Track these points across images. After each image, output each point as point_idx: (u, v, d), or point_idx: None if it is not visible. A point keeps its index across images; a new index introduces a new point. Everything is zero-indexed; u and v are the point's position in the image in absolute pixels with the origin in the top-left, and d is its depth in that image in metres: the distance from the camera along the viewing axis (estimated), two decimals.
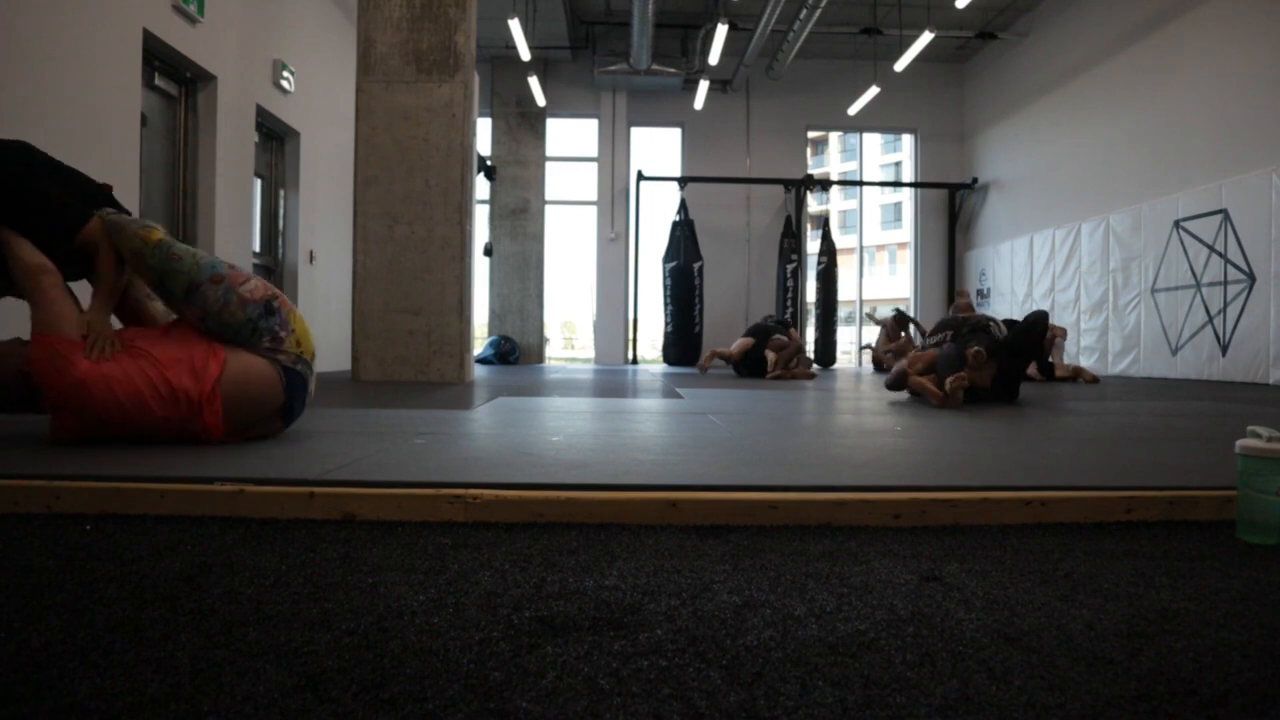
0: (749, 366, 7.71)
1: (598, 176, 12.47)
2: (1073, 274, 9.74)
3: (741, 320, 11.58)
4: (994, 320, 4.65)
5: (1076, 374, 7.15)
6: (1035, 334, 4.35)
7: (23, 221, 2.23)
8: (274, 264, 7.42)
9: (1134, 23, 8.80)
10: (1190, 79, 7.98)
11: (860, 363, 10.18)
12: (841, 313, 12.65)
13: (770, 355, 7.54)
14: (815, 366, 10.02)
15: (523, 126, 12.21)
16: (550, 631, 0.97)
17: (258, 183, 7.03)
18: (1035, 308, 10.36)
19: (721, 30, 9.72)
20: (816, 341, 11.87)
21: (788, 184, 12.31)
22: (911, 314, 11.29)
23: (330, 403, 3.84)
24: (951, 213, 12.76)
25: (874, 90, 10.99)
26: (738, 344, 7.79)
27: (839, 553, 1.36)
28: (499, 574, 1.21)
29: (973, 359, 4.03)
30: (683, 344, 11.43)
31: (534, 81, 10.97)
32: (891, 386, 4.51)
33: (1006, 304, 11.12)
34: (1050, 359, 7.25)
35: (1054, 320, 9.92)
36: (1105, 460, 2.18)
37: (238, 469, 1.73)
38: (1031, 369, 6.91)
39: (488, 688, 0.81)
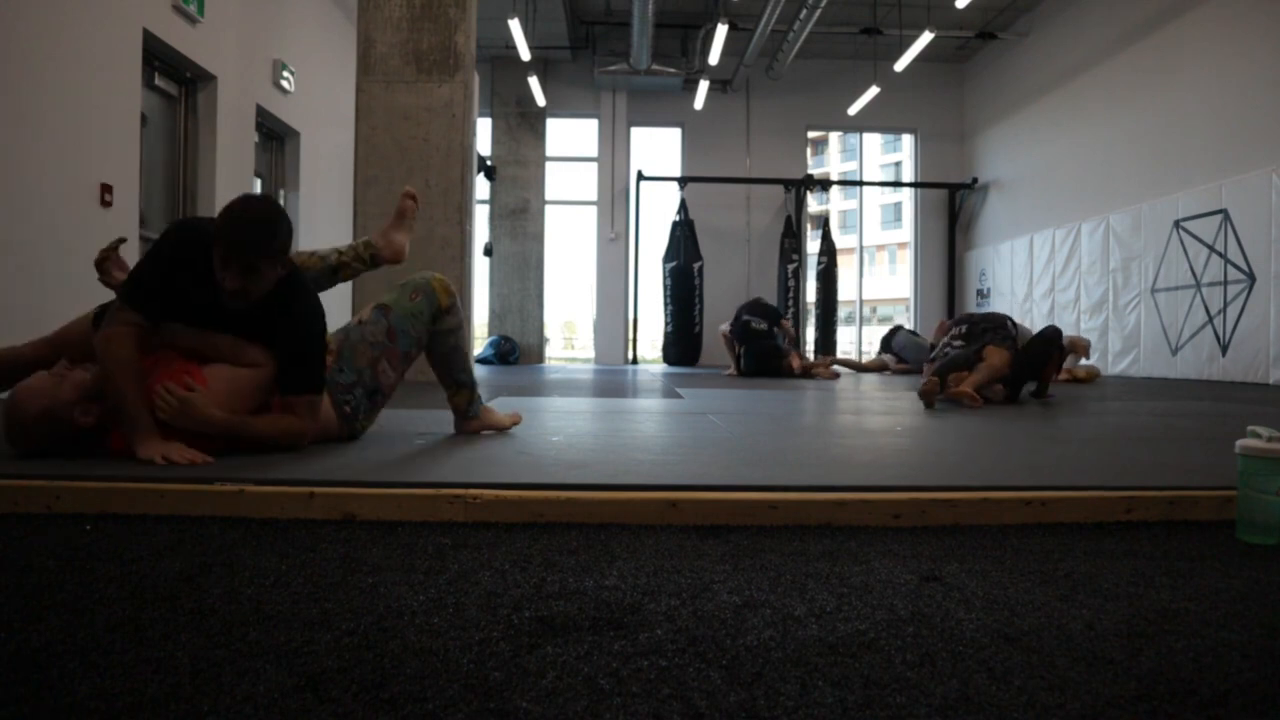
0: (759, 361, 7.44)
1: (598, 176, 12.47)
2: (1073, 274, 9.74)
3: None
4: (1010, 318, 4.60)
5: (1073, 377, 7.12)
6: (1048, 338, 4.32)
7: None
8: None
9: (1134, 23, 8.80)
10: (1190, 79, 7.97)
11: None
12: (841, 313, 12.67)
13: (795, 361, 7.39)
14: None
15: (523, 126, 12.21)
16: (550, 631, 0.97)
17: (258, 183, 7.03)
18: (1035, 308, 10.38)
19: (721, 30, 9.72)
20: (817, 341, 11.89)
21: (788, 184, 12.31)
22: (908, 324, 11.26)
23: None
24: (951, 213, 12.76)
25: (874, 90, 10.99)
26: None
27: (839, 553, 1.36)
28: (499, 574, 1.21)
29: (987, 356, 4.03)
30: (683, 344, 11.42)
31: (534, 81, 10.97)
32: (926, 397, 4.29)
33: (1006, 304, 11.12)
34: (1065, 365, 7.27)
35: (1056, 321, 9.92)
36: (1105, 460, 2.18)
37: (238, 469, 1.73)
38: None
39: (488, 688, 0.81)
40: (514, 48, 9.97)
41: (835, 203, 32.45)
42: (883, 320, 31.48)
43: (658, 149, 13.16)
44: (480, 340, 11.54)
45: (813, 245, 12.60)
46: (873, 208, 34.51)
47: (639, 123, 12.63)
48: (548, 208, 12.46)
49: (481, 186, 11.69)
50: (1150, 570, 1.27)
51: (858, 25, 10.94)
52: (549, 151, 12.44)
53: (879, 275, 33.34)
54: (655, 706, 0.77)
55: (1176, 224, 8.00)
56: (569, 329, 24.26)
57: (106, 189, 4.70)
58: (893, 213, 34.02)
